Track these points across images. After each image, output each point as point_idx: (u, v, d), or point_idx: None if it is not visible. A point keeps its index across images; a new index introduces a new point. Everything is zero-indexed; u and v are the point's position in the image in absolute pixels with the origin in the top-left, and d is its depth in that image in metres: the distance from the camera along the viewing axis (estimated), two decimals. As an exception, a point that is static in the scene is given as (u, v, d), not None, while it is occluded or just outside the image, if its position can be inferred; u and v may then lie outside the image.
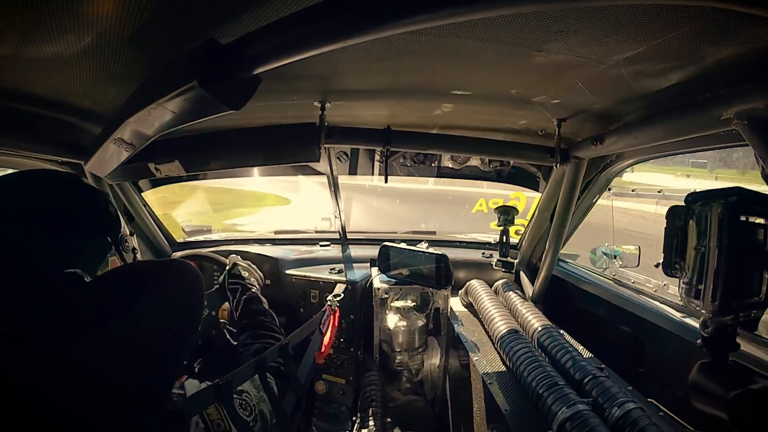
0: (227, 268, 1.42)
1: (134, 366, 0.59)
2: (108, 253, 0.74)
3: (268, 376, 0.93)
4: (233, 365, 0.87)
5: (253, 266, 1.48)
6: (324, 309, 1.55)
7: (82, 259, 0.69)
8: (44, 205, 0.69)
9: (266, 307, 1.32)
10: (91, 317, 0.59)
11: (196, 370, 1.51)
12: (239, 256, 1.50)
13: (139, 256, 0.87)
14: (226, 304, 1.52)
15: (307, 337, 1.33)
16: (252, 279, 1.40)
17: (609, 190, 1.78)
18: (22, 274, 0.61)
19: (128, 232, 0.83)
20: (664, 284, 1.46)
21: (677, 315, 1.34)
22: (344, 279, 2.00)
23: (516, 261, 2.13)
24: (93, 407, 0.55)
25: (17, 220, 0.65)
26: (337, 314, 1.66)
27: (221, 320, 1.48)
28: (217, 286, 1.44)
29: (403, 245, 1.98)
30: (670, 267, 0.81)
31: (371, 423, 1.72)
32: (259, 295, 1.35)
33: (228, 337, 1.45)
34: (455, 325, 1.87)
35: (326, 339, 1.50)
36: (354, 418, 1.88)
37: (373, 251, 2.09)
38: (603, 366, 1.23)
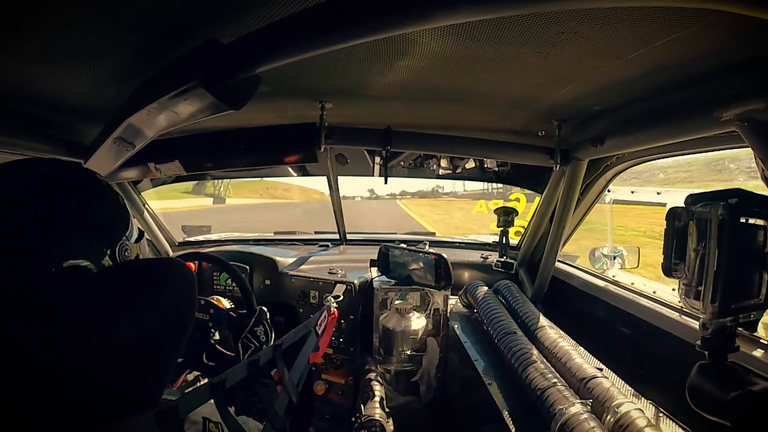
0: (253, 320, 1.33)
1: (133, 365, 0.59)
2: (103, 257, 0.70)
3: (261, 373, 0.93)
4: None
5: (271, 329, 1.38)
6: (322, 309, 1.55)
7: (89, 255, 0.67)
8: (45, 198, 0.66)
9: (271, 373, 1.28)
10: (95, 318, 0.59)
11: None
12: (266, 312, 1.39)
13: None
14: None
15: (303, 337, 1.32)
16: (264, 347, 1.36)
17: (608, 191, 1.78)
18: (26, 273, 0.61)
19: (135, 236, 0.77)
20: (673, 289, 1.46)
21: (677, 316, 1.34)
22: (344, 279, 2.00)
23: (516, 262, 2.13)
24: (93, 407, 0.55)
25: (17, 213, 0.64)
26: (335, 315, 1.66)
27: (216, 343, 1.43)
28: (229, 310, 1.41)
29: (402, 246, 1.98)
30: (669, 268, 0.81)
31: (370, 423, 1.72)
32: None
33: (210, 349, 1.41)
34: (455, 326, 1.87)
35: (323, 340, 1.49)
36: (353, 419, 1.88)
37: (372, 252, 2.09)
38: (602, 367, 1.23)
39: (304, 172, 2.40)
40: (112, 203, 0.75)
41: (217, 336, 1.35)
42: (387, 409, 1.79)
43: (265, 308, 1.38)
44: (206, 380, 1.37)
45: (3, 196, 0.64)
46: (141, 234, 0.81)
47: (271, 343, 1.36)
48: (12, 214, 0.63)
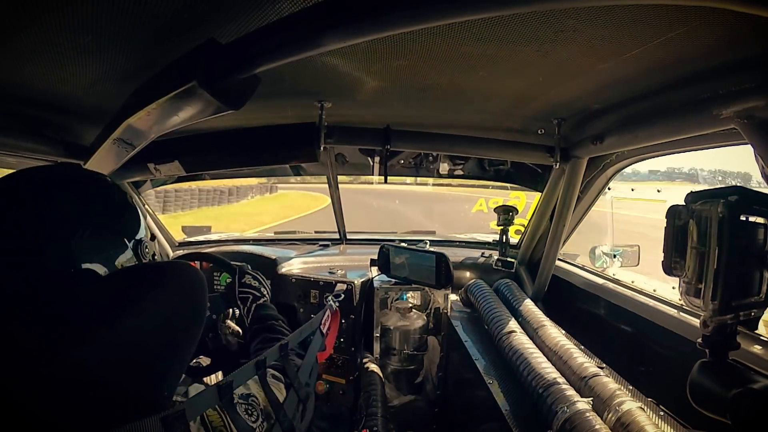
0: (237, 276, 1.36)
1: (136, 367, 0.59)
2: (121, 254, 0.70)
3: (270, 374, 0.93)
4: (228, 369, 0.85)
5: (261, 276, 1.41)
6: (324, 309, 1.55)
7: (97, 256, 0.67)
8: (54, 200, 0.66)
9: (276, 312, 1.30)
10: (96, 318, 0.59)
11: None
12: (248, 265, 1.43)
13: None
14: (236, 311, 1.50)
15: (307, 337, 1.32)
16: (262, 289, 1.37)
17: (609, 189, 1.78)
18: (26, 274, 0.61)
19: (149, 236, 0.78)
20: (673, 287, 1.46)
21: (677, 314, 1.34)
22: (344, 279, 2.00)
23: (516, 260, 2.13)
24: (94, 409, 0.54)
25: (23, 217, 0.64)
26: (338, 314, 1.66)
27: (227, 323, 1.46)
28: (222, 290, 1.42)
29: (402, 245, 1.98)
30: (670, 266, 0.81)
31: (371, 423, 1.72)
32: (269, 303, 1.34)
33: (224, 342, 1.43)
34: (455, 325, 1.87)
35: (329, 339, 1.50)
36: (354, 419, 1.88)
37: (372, 251, 2.08)
38: (603, 365, 1.23)
39: (303, 172, 2.40)
40: (120, 203, 0.75)
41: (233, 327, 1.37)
42: (388, 409, 1.80)
43: (244, 263, 1.40)
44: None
45: (6, 197, 0.65)
46: (153, 235, 0.82)
47: (267, 284, 1.40)
48: (13, 215, 0.63)
